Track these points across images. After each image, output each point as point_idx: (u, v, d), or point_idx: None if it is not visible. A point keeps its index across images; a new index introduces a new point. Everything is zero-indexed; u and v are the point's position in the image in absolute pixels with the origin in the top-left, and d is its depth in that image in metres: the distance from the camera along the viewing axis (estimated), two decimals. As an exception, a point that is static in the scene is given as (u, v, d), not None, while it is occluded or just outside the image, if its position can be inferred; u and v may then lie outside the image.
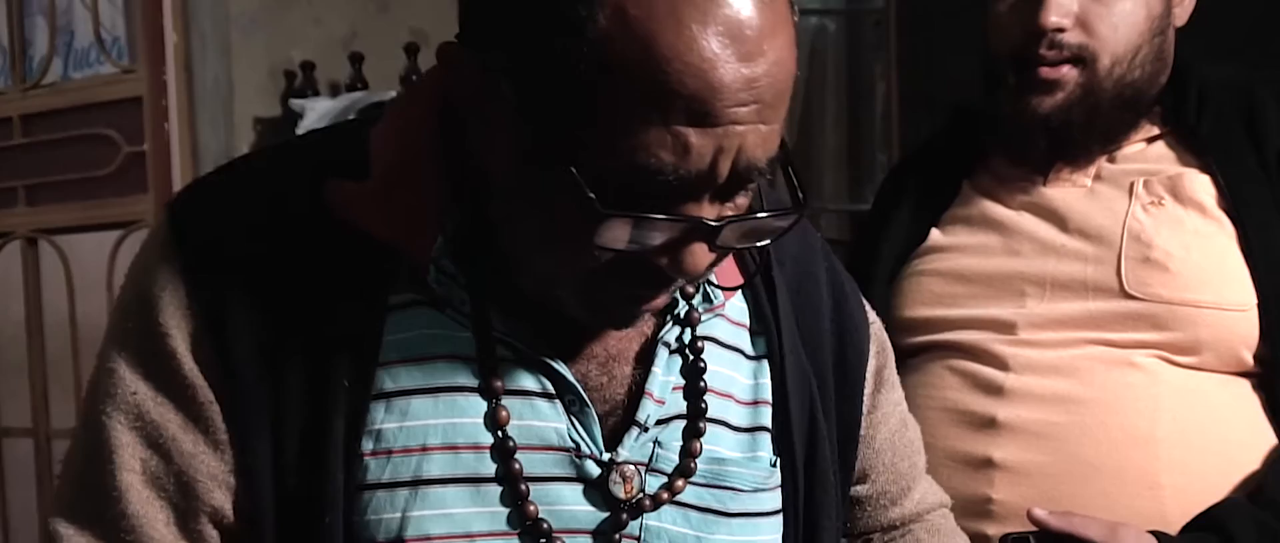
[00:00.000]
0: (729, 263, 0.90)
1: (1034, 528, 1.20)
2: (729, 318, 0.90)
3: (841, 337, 0.95)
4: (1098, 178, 1.36)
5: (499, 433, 0.81)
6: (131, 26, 2.65)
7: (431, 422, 0.80)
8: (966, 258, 1.38)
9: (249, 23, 2.51)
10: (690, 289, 0.87)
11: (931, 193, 1.45)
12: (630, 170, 0.71)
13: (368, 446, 0.79)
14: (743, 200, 0.76)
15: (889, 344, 1.02)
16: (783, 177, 0.78)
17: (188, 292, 0.78)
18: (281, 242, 0.80)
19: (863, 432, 0.98)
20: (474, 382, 0.81)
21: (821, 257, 0.97)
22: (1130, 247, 1.29)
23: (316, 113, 2.39)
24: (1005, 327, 1.31)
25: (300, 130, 2.39)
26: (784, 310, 0.92)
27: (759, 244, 0.79)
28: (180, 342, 0.78)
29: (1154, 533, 1.20)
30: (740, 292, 0.91)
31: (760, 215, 0.76)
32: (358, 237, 0.80)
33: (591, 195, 0.70)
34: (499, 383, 0.81)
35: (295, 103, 2.44)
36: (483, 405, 0.81)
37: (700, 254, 0.75)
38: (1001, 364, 1.29)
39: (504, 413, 0.81)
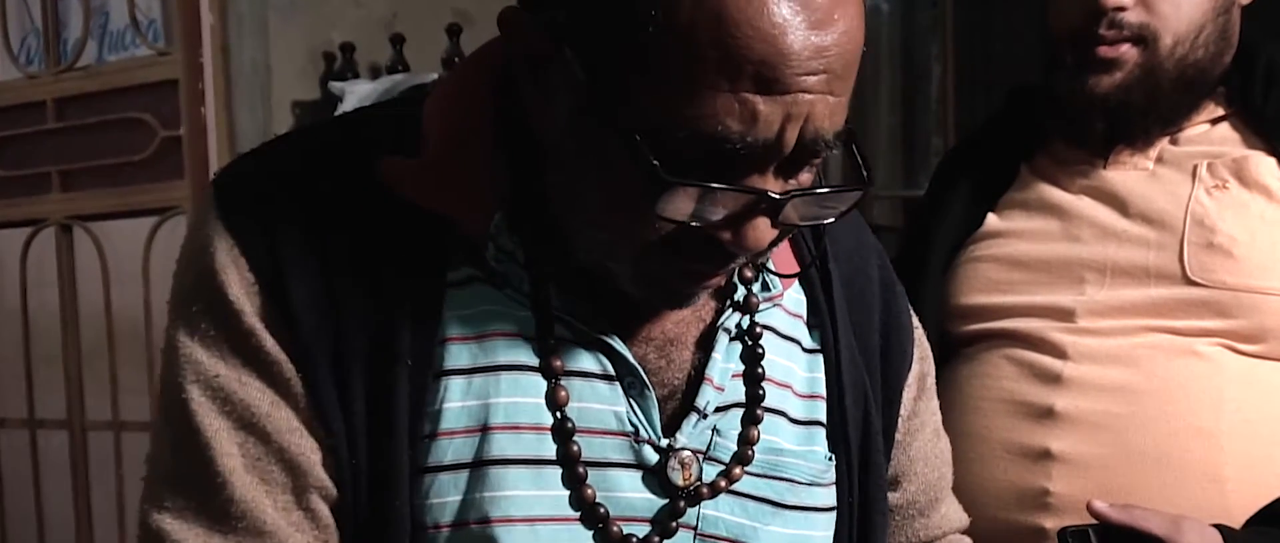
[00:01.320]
0: (786, 252, 0.92)
1: (1094, 521, 1.22)
2: (786, 308, 0.92)
3: (887, 337, 0.96)
4: (1159, 161, 1.37)
5: (558, 414, 0.82)
6: (167, 8, 2.68)
7: (493, 401, 0.81)
8: (1024, 244, 1.40)
9: (287, 4, 2.54)
10: (749, 274, 0.88)
11: (988, 177, 1.47)
12: (695, 138, 0.71)
13: (429, 427, 0.80)
14: (806, 177, 0.77)
15: (930, 352, 1.04)
16: (846, 154, 0.79)
17: (250, 267, 0.79)
18: (335, 218, 0.80)
19: (899, 437, 0.99)
20: (534, 361, 0.82)
21: (874, 254, 0.99)
22: (1193, 232, 1.31)
23: (356, 96, 2.42)
24: (1064, 314, 1.33)
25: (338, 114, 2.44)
26: (839, 304, 0.93)
27: (821, 222, 0.80)
28: (254, 318, 0.78)
29: (1217, 527, 1.21)
30: (797, 283, 0.93)
31: (825, 190, 0.77)
32: (413, 213, 0.81)
33: (655, 162, 0.71)
34: (559, 363, 0.82)
35: (335, 85, 2.48)
36: (543, 385, 0.82)
37: (762, 229, 0.75)
38: (1060, 353, 1.31)
39: (563, 393, 0.82)
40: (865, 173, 0.78)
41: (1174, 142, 1.38)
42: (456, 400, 0.81)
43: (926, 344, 1.03)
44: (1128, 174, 1.38)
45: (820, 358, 0.93)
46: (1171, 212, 1.33)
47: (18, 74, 2.92)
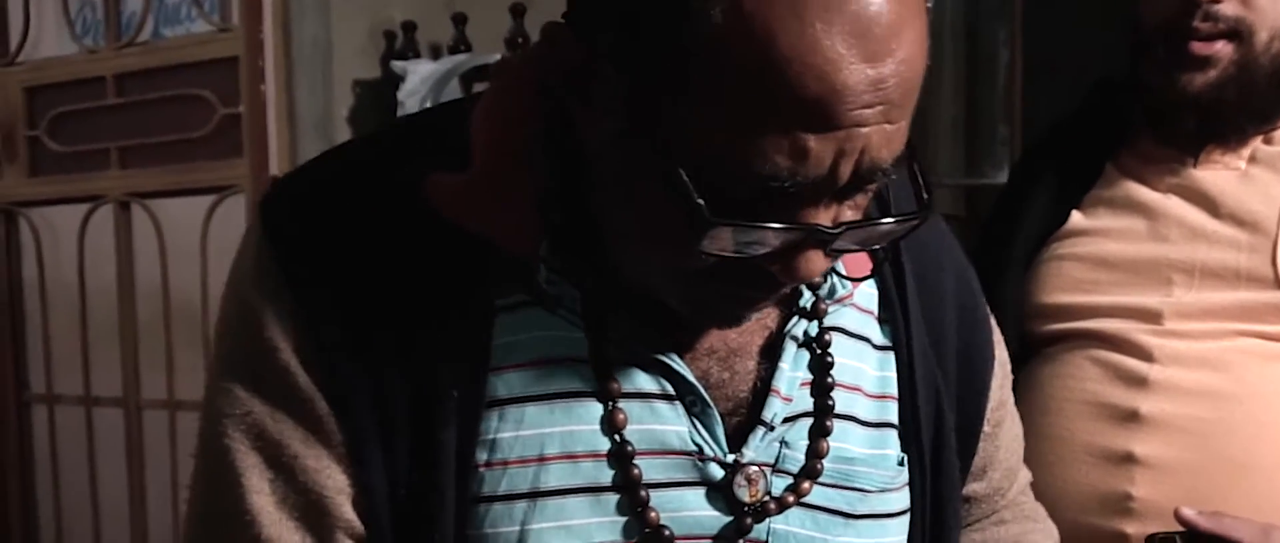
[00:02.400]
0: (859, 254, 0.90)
1: (1181, 528, 1.23)
2: (857, 305, 0.90)
3: (965, 326, 0.95)
4: (1252, 160, 1.37)
5: (616, 438, 0.81)
6: (227, -17, 2.73)
7: (548, 430, 0.80)
8: (1110, 243, 1.40)
9: (349, -19, 2.58)
10: (817, 279, 0.85)
11: (1072, 173, 1.47)
12: (742, 175, 0.69)
13: (482, 456, 0.80)
14: (863, 199, 0.75)
15: (1001, 339, 1.02)
16: (908, 175, 0.77)
17: (292, 301, 0.79)
18: (382, 243, 0.80)
19: (987, 428, 0.98)
20: (590, 386, 0.81)
21: (946, 243, 0.97)
22: (1288, 234, 1.31)
23: (418, 76, 2.46)
24: (1150, 316, 1.34)
25: (401, 94, 2.47)
26: (911, 298, 0.91)
27: (873, 248, 0.78)
28: (290, 355, 0.78)
29: (1308, 536, 1.22)
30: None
31: (881, 222, 0.75)
32: (461, 234, 0.80)
33: (700, 202, 0.69)
34: (616, 386, 0.81)
35: (396, 65, 2.51)
36: (600, 411, 0.81)
37: (814, 260, 0.73)
38: (1146, 355, 1.32)
39: (621, 417, 0.81)
40: (925, 197, 0.76)
41: (1268, 141, 1.38)
42: (510, 430, 0.80)
43: (999, 331, 1.02)
44: (1219, 174, 1.38)
45: (892, 356, 0.91)
46: (1264, 213, 1.33)
47: (77, 49, 2.97)
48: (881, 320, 0.92)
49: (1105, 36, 1.48)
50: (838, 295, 0.88)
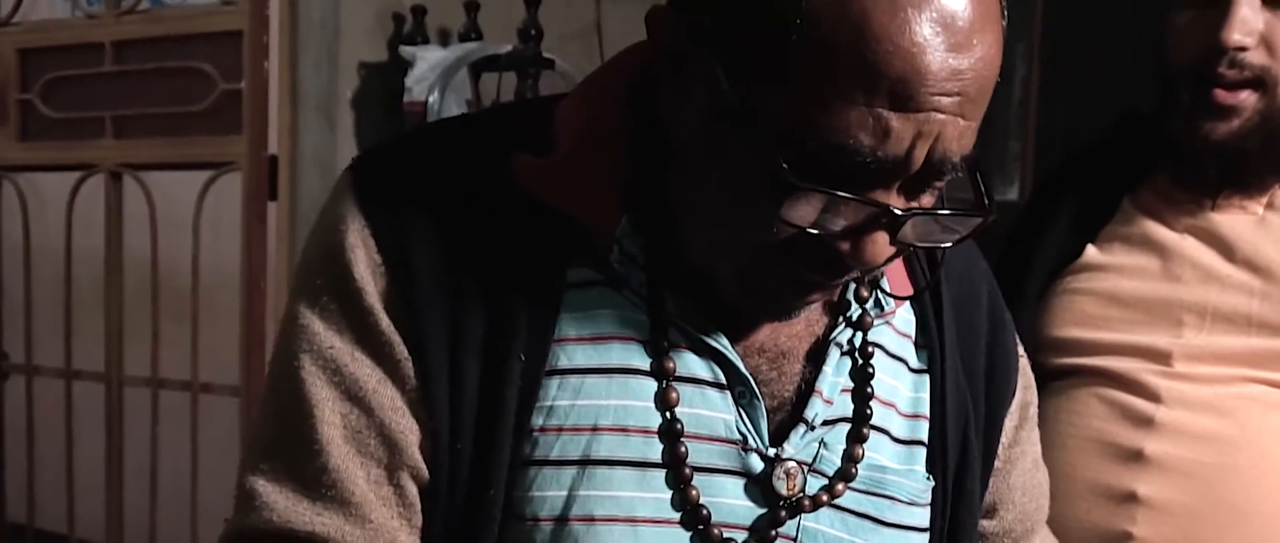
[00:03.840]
0: (901, 272, 0.99)
1: (1180, 571, 1.28)
2: (896, 328, 0.98)
3: (992, 364, 1.02)
4: (1270, 207, 1.42)
5: (667, 415, 0.88)
6: (234, -45, 2.74)
7: (604, 402, 0.88)
8: (1123, 279, 1.45)
9: (359, -40, 2.61)
10: (864, 292, 0.95)
11: (1090, 206, 1.52)
12: (826, 148, 0.77)
13: (538, 421, 0.87)
14: (928, 200, 0.83)
15: (1033, 382, 1.09)
16: (969, 181, 0.85)
17: (379, 249, 0.86)
18: (467, 209, 0.88)
19: (999, 464, 1.05)
20: (647, 365, 0.89)
21: (984, 280, 1.05)
22: (1301, 284, 1.36)
23: (427, 62, 2.49)
24: (1160, 356, 1.39)
25: (409, 80, 2.51)
26: (948, 327, 0.99)
27: (938, 244, 0.86)
28: (375, 298, 0.86)
29: (1305, 587, 1.28)
30: (908, 303, 0.99)
31: (946, 212, 0.83)
32: (540, 211, 0.88)
33: (784, 165, 0.77)
34: (671, 367, 0.89)
35: (405, 50, 2.55)
36: (655, 389, 0.89)
37: (880, 244, 0.81)
38: (1153, 396, 1.37)
39: (674, 396, 0.88)
40: (987, 201, 0.84)
41: (1288, 187, 1.43)
42: (567, 399, 0.87)
43: (1031, 374, 1.09)
44: (1236, 218, 1.43)
45: (926, 379, 0.99)
46: (1279, 261, 1.38)
47: (75, 12, 2.99)
48: (918, 345, 0.99)
49: (1124, 58, 1.52)
50: (883, 312, 0.96)
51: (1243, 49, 1.36)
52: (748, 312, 0.90)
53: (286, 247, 2.66)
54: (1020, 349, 1.07)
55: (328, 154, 2.59)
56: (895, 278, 0.98)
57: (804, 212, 0.79)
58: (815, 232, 0.80)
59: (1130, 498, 1.35)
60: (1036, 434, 1.11)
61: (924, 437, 0.98)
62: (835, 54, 0.76)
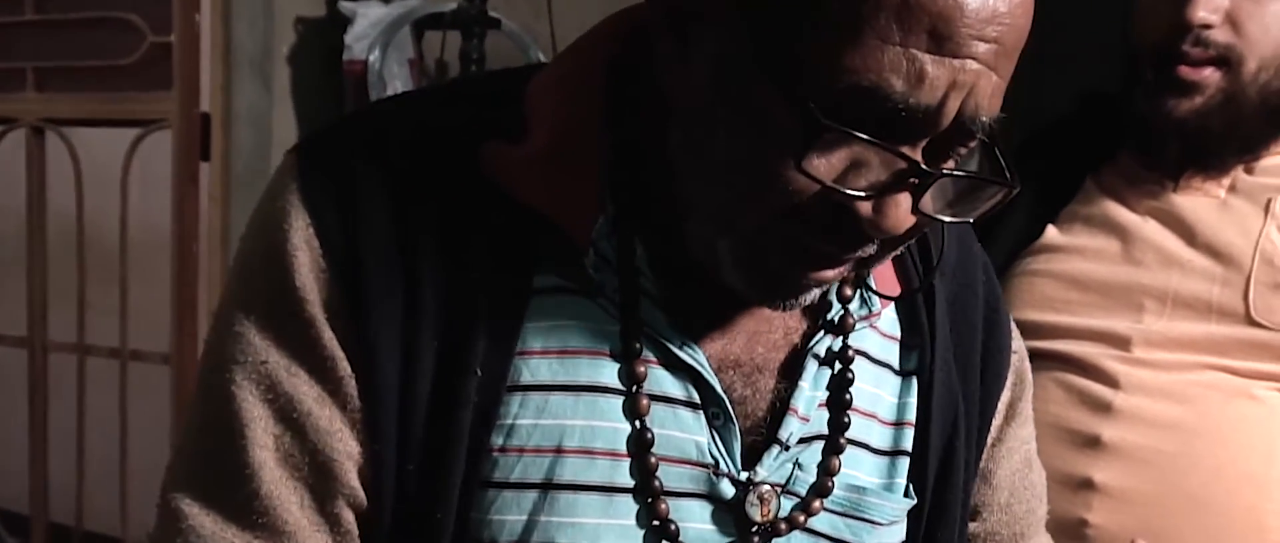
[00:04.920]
0: (888, 269, 0.94)
1: (1135, 560, 1.31)
2: (880, 330, 0.94)
3: (988, 359, 0.99)
4: (1232, 189, 1.45)
5: (638, 424, 0.84)
6: (163, -99, 2.70)
7: (569, 422, 0.84)
8: (1084, 262, 1.47)
9: (296, -91, 2.58)
10: (847, 291, 0.91)
11: (1052, 185, 1.53)
12: (856, 93, 0.73)
13: (498, 440, 0.83)
14: (951, 166, 0.78)
15: (1028, 376, 1.06)
16: (988, 157, 0.81)
17: (324, 253, 0.81)
18: (424, 207, 0.82)
19: (983, 464, 1.02)
20: (616, 382, 0.85)
21: (980, 268, 1.01)
22: (1261, 270, 1.39)
23: (367, 20, 2.47)
24: (1119, 341, 1.41)
25: (349, 37, 2.48)
26: (940, 326, 0.95)
27: (959, 219, 0.81)
28: (317, 309, 0.81)
29: (1260, 578, 1.31)
30: (894, 302, 0.94)
31: (975, 175, 0.79)
32: (508, 207, 0.83)
33: (812, 105, 0.73)
34: (642, 386, 0.85)
35: (344, 5, 2.52)
36: (624, 408, 0.85)
37: (902, 208, 0.77)
38: (1112, 381, 1.40)
39: (645, 404, 0.84)
40: (1008, 174, 0.80)
41: (1249, 170, 1.45)
42: (530, 418, 0.83)
43: (1025, 367, 1.06)
44: (1197, 201, 1.45)
45: (914, 382, 0.95)
46: (1240, 246, 1.40)
47: (-7, -42, 2.94)
48: (905, 346, 0.95)
49: (1086, 37, 1.53)
50: (869, 313, 0.92)
51: (1208, 26, 1.38)
52: (747, 292, 0.84)
53: (219, 208, 2.64)
54: (1015, 342, 1.04)
55: (262, 113, 2.57)
56: (883, 276, 0.94)
57: (825, 165, 0.75)
58: (836, 187, 0.76)
59: (1087, 485, 1.38)
60: (1027, 432, 1.07)
61: (908, 446, 0.95)
62: None
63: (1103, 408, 1.39)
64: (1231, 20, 1.39)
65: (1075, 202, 1.52)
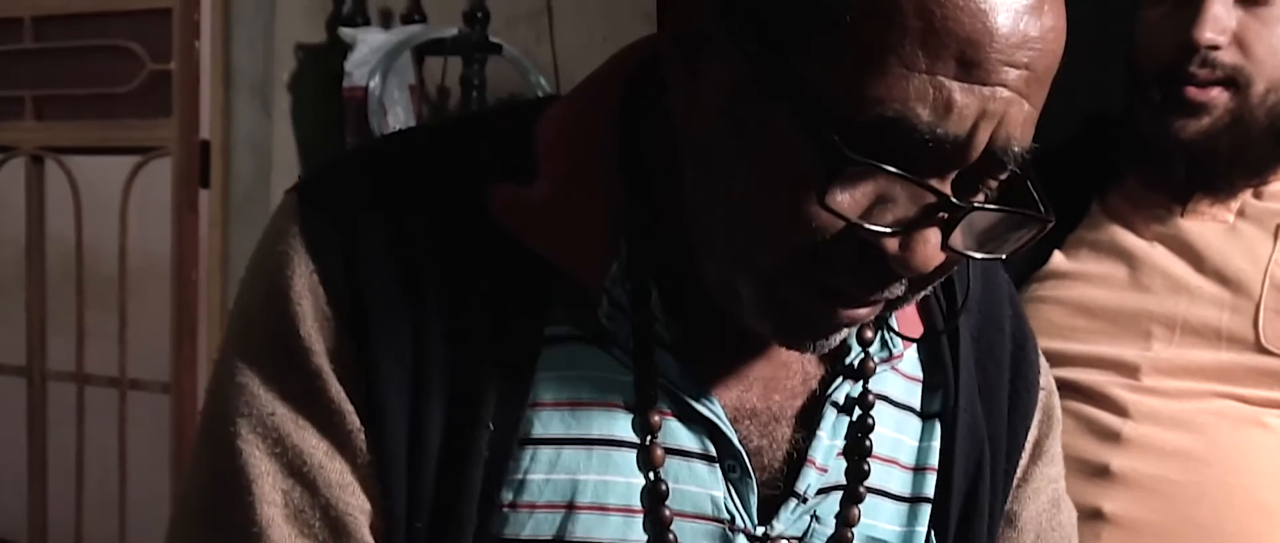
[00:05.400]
0: (909, 308, 0.90)
1: (1146, 591, 1.30)
2: (902, 371, 0.91)
3: (1013, 397, 0.95)
4: (1241, 214, 1.44)
5: (651, 476, 0.82)
6: (163, -72, 2.71)
7: (582, 477, 0.81)
8: (1091, 288, 1.47)
9: (297, -64, 2.58)
10: (868, 333, 0.88)
11: (1057, 210, 1.53)
12: (879, 124, 0.70)
13: (508, 496, 0.81)
14: (982, 199, 0.75)
15: (1057, 412, 1.02)
16: (1019, 189, 0.77)
17: (329, 299, 0.79)
18: (432, 252, 0.80)
19: (1008, 506, 0.98)
20: (630, 436, 0.82)
21: (1007, 301, 0.97)
22: (1271, 297, 1.38)
23: (368, 45, 2.47)
24: (1128, 369, 1.41)
25: (349, 64, 2.49)
26: (964, 365, 0.91)
27: (992, 256, 0.77)
28: (323, 358, 0.79)
29: (1271, 609, 1.30)
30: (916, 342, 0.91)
31: (1008, 210, 0.75)
32: (516, 253, 0.81)
33: (836, 137, 0.70)
34: (659, 443, 0.82)
35: (344, 31, 2.53)
36: (638, 462, 0.83)
37: (932, 245, 0.73)
38: (1120, 410, 1.39)
39: (659, 455, 0.82)
40: (1043, 207, 0.77)
41: (1258, 195, 1.45)
42: (541, 472, 0.81)
43: (1053, 402, 1.01)
44: (1206, 226, 1.45)
45: (937, 425, 0.92)
46: (1249, 272, 1.40)
47: (-8, -15, 2.94)
48: (928, 387, 0.92)
49: (1090, 59, 1.53)
50: (891, 355, 0.89)
51: (1215, 47, 1.38)
52: (771, 333, 0.81)
53: (219, 235, 2.64)
54: (1043, 377, 1.00)
55: (262, 139, 2.57)
56: (905, 315, 0.90)
57: (849, 201, 0.72)
58: (861, 223, 0.72)
59: (1096, 515, 1.37)
60: (1057, 470, 1.02)
61: (930, 492, 0.91)
62: (895, 10, 0.69)
63: (1111, 437, 1.39)
64: (1239, 41, 1.39)
65: (1082, 227, 1.52)
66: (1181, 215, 1.46)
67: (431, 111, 2.61)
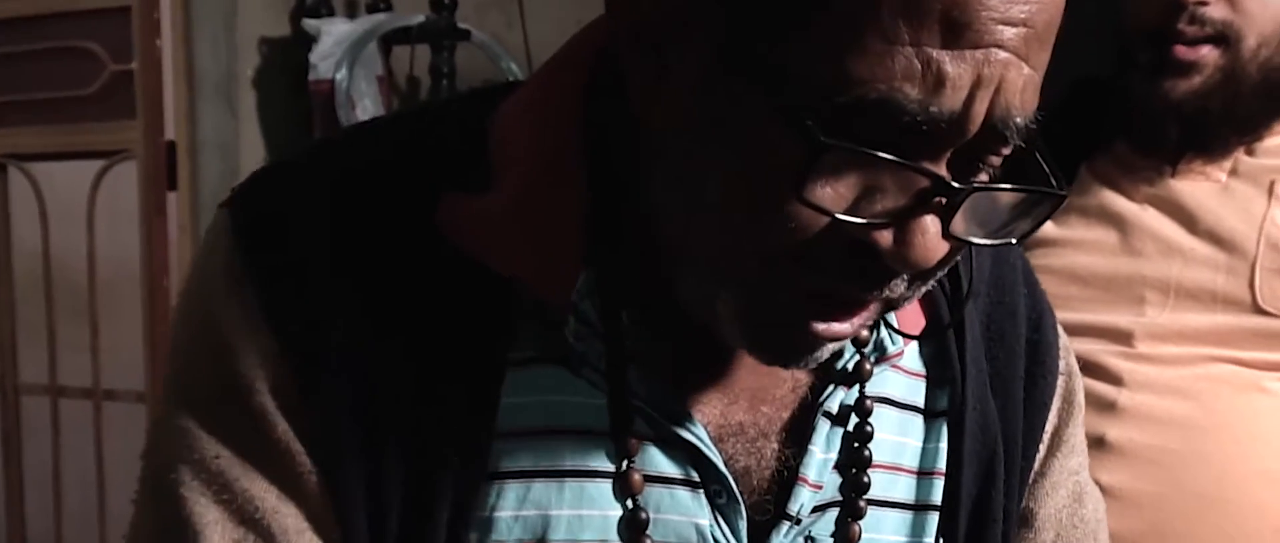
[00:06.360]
0: (912, 306, 0.82)
1: (1147, 565, 1.29)
2: (903, 368, 0.84)
3: (1030, 387, 0.88)
4: (1233, 173, 1.43)
5: (629, 504, 0.77)
6: (119, -76, 2.69)
7: (554, 512, 0.76)
8: (1082, 255, 1.45)
9: (257, -72, 2.56)
10: (865, 334, 0.81)
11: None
12: (861, 106, 0.63)
13: (475, 536, 0.75)
14: (985, 178, 0.68)
15: (1079, 396, 0.94)
16: (1028, 164, 0.70)
17: (271, 329, 0.73)
18: (383, 275, 0.74)
19: (1022, 504, 0.91)
20: (606, 465, 0.76)
21: (1021, 279, 0.90)
22: (1267, 256, 1.36)
23: (332, 37, 2.45)
24: (1122, 337, 1.39)
25: (314, 56, 2.46)
26: (973, 356, 0.85)
27: (1002, 240, 0.70)
28: (268, 398, 0.73)
29: (1277, 578, 1.28)
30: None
31: (1013, 188, 0.68)
32: (476, 271, 0.74)
33: (809, 122, 0.63)
34: (636, 471, 0.76)
35: (308, 23, 2.50)
36: (616, 496, 0.77)
37: (931, 234, 0.65)
38: (1115, 379, 1.37)
39: (637, 481, 0.77)
40: (1054, 181, 0.69)
41: (1250, 152, 1.43)
42: (510, 508, 0.76)
43: (1074, 387, 0.93)
44: (1198, 186, 1.43)
45: (944, 424, 0.85)
46: (1244, 232, 1.38)
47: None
48: (933, 382, 0.86)
49: (1076, 23, 1.51)
50: (888, 353, 0.83)
51: (1203, 3, 1.37)
52: (754, 350, 0.74)
53: (189, 239, 2.61)
54: (1063, 362, 0.92)
55: (229, 138, 2.54)
56: (905, 315, 0.83)
57: (832, 194, 0.65)
58: (848, 217, 0.65)
59: (1094, 489, 1.35)
60: (1077, 462, 0.94)
61: (938, 499, 0.85)
62: None
63: (1107, 407, 1.37)
64: None
65: (1071, 193, 1.49)
66: (1173, 176, 1.45)
67: (402, 102, 2.58)
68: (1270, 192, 1.40)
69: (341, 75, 2.39)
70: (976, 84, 0.63)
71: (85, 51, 2.68)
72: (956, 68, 0.63)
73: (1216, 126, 1.40)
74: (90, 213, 2.76)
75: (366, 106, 2.42)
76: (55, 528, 2.91)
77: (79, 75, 2.69)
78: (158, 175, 2.63)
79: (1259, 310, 1.35)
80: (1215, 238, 1.40)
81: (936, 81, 0.63)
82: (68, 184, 2.80)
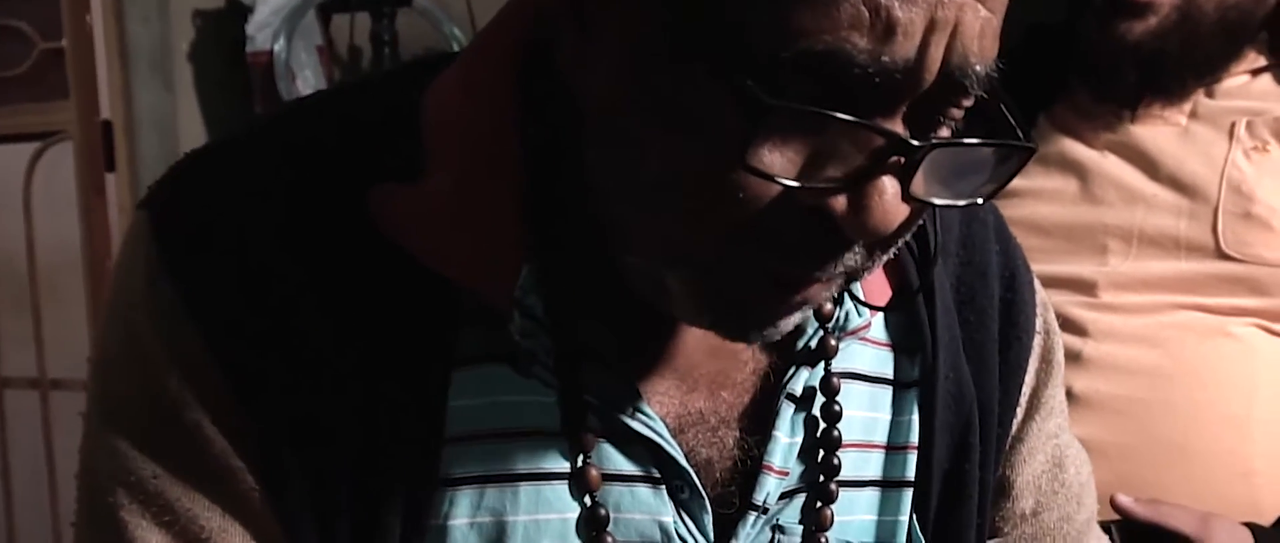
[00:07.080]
0: (878, 272, 0.80)
1: (1116, 517, 1.28)
2: (870, 339, 0.81)
3: (1004, 349, 0.85)
4: (1193, 115, 1.42)
5: (588, 501, 0.74)
6: (42, -104, 2.65)
7: (510, 518, 0.73)
8: (1042, 205, 1.45)
9: (186, -104, 2.52)
10: (828, 307, 0.78)
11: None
12: (808, 60, 0.59)
13: None
14: (946, 132, 0.64)
15: (1057, 355, 0.90)
16: (990, 112, 0.65)
17: (201, 344, 0.69)
18: (314, 277, 0.70)
19: (999, 472, 0.88)
20: (561, 465, 0.74)
21: (994, 237, 0.87)
22: (1229, 199, 1.36)
23: (269, 7, 2.40)
24: (1085, 287, 1.39)
25: (250, 27, 2.41)
26: (943, 320, 0.82)
27: (968, 200, 0.66)
28: (201, 412, 0.70)
29: (1248, 525, 1.28)
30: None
31: (977, 143, 0.63)
32: (413, 266, 0.71)
33: (749, 82, 0.59)
34: (594, 469, 0.74)
35: (243, -6, 2.46)
36: (572, 494, 0.74)
37: (889, 196, 0.61)
38: (1079, 330, 1.37)
39: (594, 476, 0.74)
40: (1021, 133, 0.65)
41: (1210, 94, 1.43)
42: (464, 516, 0.73)
43: (1053, 344, 0.90)
44: (1158, 130, 1.42)
45: (914, 395, 0.82)
46: (1205, 176, 1.38)
47: None
48: (900, 350, 0.83)
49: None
50: (852, 326, 0.79)
51: None
52: (715, 328, 0.70)
53: (129, 220, 2.57)
54: (1041, 321, 0.89)
55: (166, 115, 2.50)
56: (871, 286, 0.80)
57: (780, 160, 0.61)
58: (797, 183, 0.61)
59: (1061, 443, 1.34)
60: (1054, 425, 0.90)
61: (911, 474, 0.82)
62: None
63: (1071, 359, 1.36)
64: None
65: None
66: (1132, 121, 1.44)
67: (343, 73, 2.54)
68: (1231, 134, 1.39)
69: (280, 46, 2.34)
70: (930, 29, 0.59)
71: (13, 30, 2.65)
72: (907, 12, 0.59)
73: (1174, 68, 1.40)
74: (26, 198, 2.72)
75: (307, 78, 2.38)
76: (6, 520, 2.87)
77: (8, 56, 2.66)
78: (94, 156, 2.58)
79: (1222, 255, 1.35)
80: (1177, 183, 1.39)
81: (886, 29, 0.59)
82: (1, 169, 2.76)
